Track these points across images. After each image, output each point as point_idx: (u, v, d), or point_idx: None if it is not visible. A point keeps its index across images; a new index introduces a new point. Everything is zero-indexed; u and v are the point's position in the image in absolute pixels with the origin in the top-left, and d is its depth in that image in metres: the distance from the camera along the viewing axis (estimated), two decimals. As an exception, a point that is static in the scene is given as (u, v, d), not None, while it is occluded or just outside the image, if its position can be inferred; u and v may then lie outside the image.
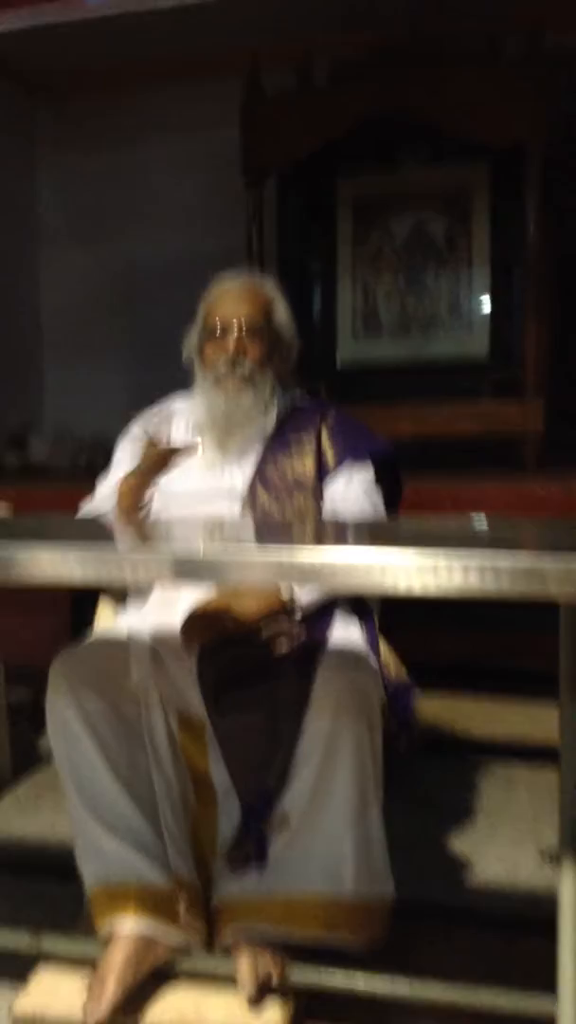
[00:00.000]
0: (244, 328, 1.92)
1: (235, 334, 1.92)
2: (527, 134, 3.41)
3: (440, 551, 1.09)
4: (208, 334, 1.96)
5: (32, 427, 4.51)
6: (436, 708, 2.93)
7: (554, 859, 1.63)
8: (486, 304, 3.87)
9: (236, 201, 3.79)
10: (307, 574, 1.15)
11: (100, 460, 2.10)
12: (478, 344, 3.88)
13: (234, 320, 1.92)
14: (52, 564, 1.19)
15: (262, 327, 1.94)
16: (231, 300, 1.95)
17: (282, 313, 1.99)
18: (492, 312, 3.86)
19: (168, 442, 1.88)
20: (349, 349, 4.00)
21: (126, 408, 2.19)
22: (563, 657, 1.33)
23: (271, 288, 2.00)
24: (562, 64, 3.50)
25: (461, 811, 2.48)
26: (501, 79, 3.45)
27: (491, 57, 3.51)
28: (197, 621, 1.72)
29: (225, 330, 1.93)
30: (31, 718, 3.07)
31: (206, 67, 4.19)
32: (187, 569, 1.16)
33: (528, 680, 2.94)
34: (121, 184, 4.56)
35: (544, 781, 2.60)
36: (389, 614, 1.95)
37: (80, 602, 2.55)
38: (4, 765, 2.71)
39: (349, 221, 3.93)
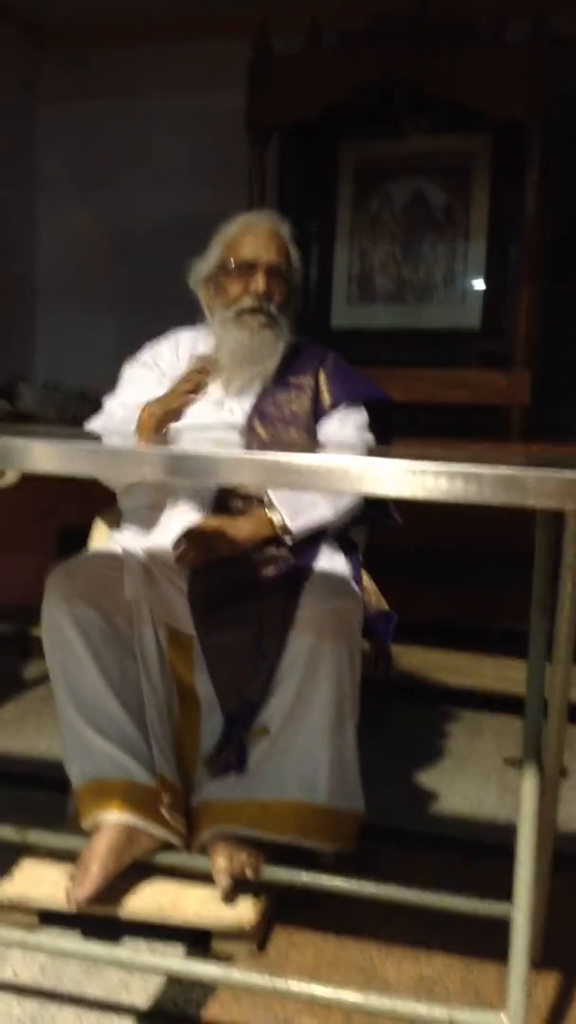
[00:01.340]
0: (271, 268, 1.95)
1: (263, 274, 1.94)
2: (527, 111, 3.47)
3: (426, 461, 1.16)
4: (232, 269, 1.96)
5: (23, 377, 4.53)
6: (411, 659, 3.02)
7: (517, 764, 1.71)
8: (480, 276, 3.94)
9: (237, 160, 3.84)
10: (298, 475, 1.20)
11: (88, 412, 2.11)
12: (470, 315, 3.95)
13: (263, 259, 1.94)
14: (61, 456, 1.24)
15: (285, 270, 1.98)
16: (260, 238, 1.97)
17: (296, 258, 2.03)
18: (486, 284, 3.93)
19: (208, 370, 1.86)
20: (343, 313, 4.06)
21: (118, 362, 2.18)
22: (536, 563, 1.41)
23: (287, 233, 2.03)
24: (564, 46, 3.57)
25: (431, 753, 2.59)
26: (503, 55, 3.50)
27: (494, 34, 3.57)
28: (190, 539, 1.79)
29: (252, 267, 1.94)
30: (17, 649, 3.15)
31: (213, 26, 4.22)
32: (185, 465, 1.21)
33: (501, 639, 3.05)
34: (123, 138, 4.59)
35: (511, 730, 2.71)
36: (372, 571, 2.03)
37: (66, 540, 2.62)
38: (-10, 689, 2.79)
39: (350, 184, 3.98)
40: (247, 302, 1.94)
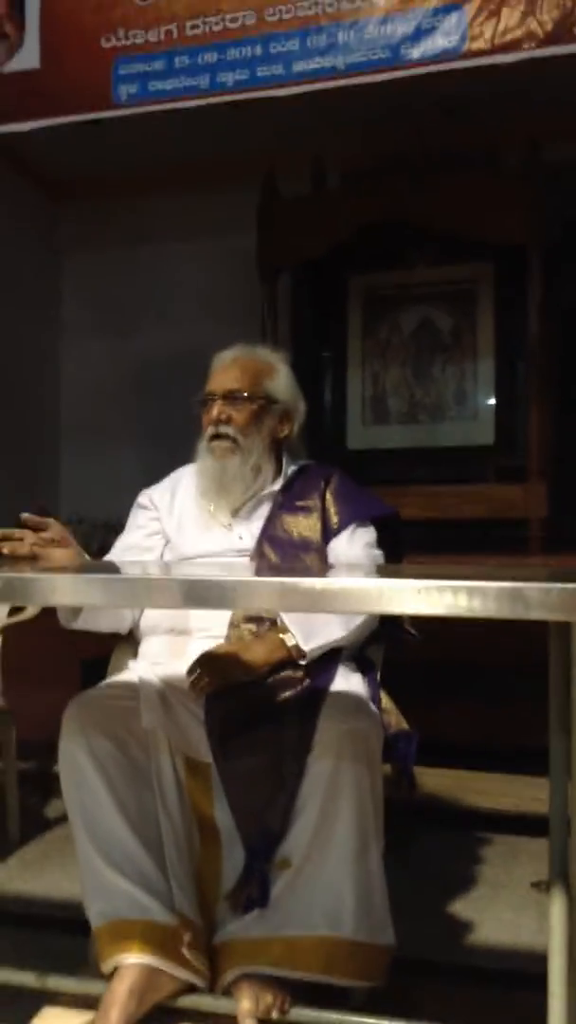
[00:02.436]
0: (226, 395, 2.04)
1: (218, 401, 2.04)
2: (527, 236, 3.62)
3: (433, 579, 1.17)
4: (201, 404, 2.09)
5: (48, 511, 4.62)
6: (439, 781, 2.94)
7: (544, 888, 1.65)
8: (491, 394, 4.02)
9: (251, 296, 4.01)
10: (309, 598, 1.22)
11: (113, 544, 2.20)
12: (483, 432, 4.03)
13: (219, 388, 2.06)
14: (72, 588, 1.26)
15: (247, 393, 2.05)
16: (219, 371, 2.09)
17: (280, 378, 2.10)
18: (497, 401, 4.02)
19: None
20: (358, 435, 4.15)
21: (138, 492, 2.26)
22: (551, 676, 1.39)
23: (268, 356, 2.13)
24: (559, 172, 3.74)
25: (463, 880, 2.49)
26: (502, 186, 3.68)
27: (492, 165, 3.76)
28: (204, 665, 1.79)
29: (211, 398, 2.06)
30: (40, 787, 3.11)
31: (222, 172, 4.47)
32: (197, 592, 1.23)
33: (532, 757, 2.97)
34: (141, 281, 4.82)
35: (547, 852, 2.61)
36: (392, 691, 2.02)
37: (90, 672, 2.62)
38: (13, 829, 2.75)
39: (359, 315, 4.13)
40: (209, 430, 2.04)
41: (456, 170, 3.71)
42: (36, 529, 1.84)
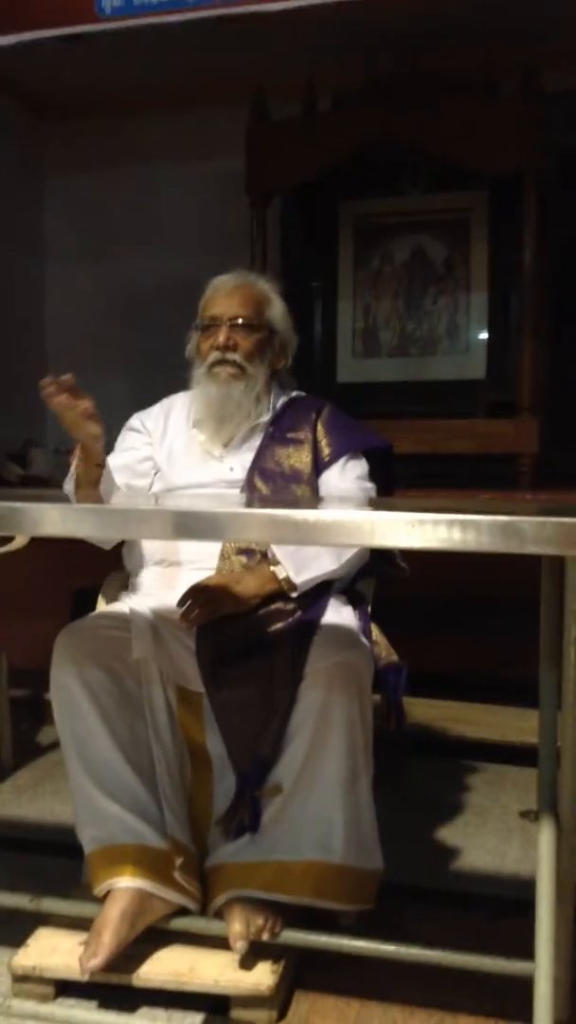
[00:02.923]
0: (233, 321, 2.01)
1: (225, 327, 2.01)
2: (523, 164, 3.53)
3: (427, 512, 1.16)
4: (202, 328, 2.05)
5: (34, 442, 4.59)
6: (427, 712, 2.99)
7: (533, 817, 1.69)
8: (483, 327, 3.97)
9: (240, 222, 3.92)
10: (301, 530, 1.21)
11: None
12: (475, 365, 3.99)
13: (225, 314, 2.01)
14: (62, 519, 1.25)
15: (253, 321, 2.02)
16: (222, 295, 2.05)
17: (276, 310, 2.07)
18: (489, 335, 3.97)
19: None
20: (349, 367, 4.10)
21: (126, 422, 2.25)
22: (543, 610, 1.40)
23: (265, 285, 2.09)
24: (558, 100, 3.65)
25: (451, 807, 2.54)
26: (497, 111, 3.58)
27: (488, 90, 3.65)
28: (195, 597, 1.79)
29: (216, 323, 2.02)
30: (32, 714, 3.15)
31: (212, 93, 4.33)
32: (188, 524, 1.22)
33: (519, 689, 3.00)
34: (127, 205, 4.70)
35: (534, 781, 2.66)
36: (382, 624, 2.02)
37: (81, 602, 2.63)
38: (6, 755, 2.78)
39: (350, 242, 4.05)
40: (213, 356, 2.01)
41: (452, 95, 3.60)
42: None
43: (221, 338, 2.00)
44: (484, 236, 3.93)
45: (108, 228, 4.78)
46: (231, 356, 2.00)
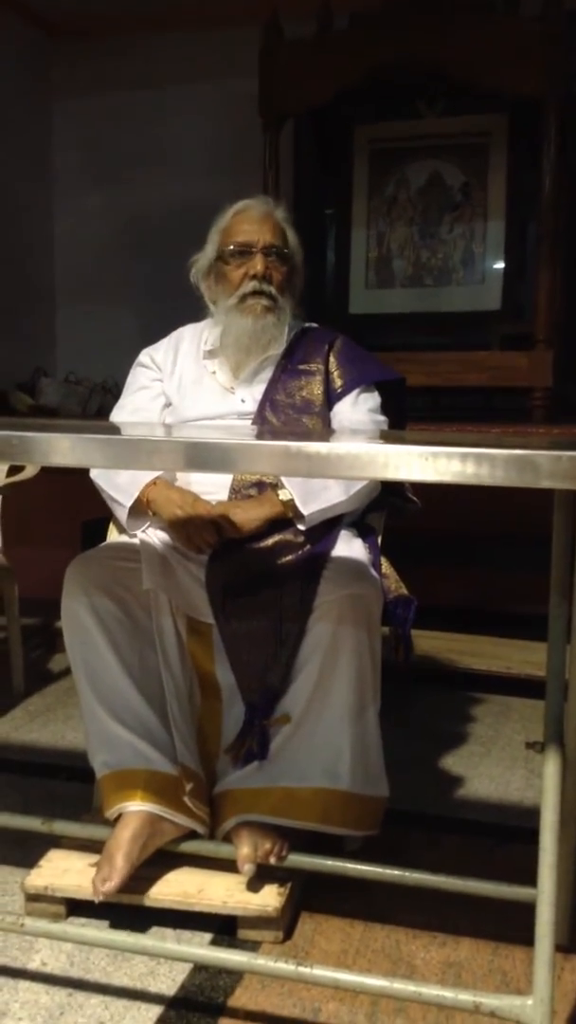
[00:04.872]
0: (268, 249, 1.94)
1: (261, 255, 1.93)
2: (544, 88, 3.41)
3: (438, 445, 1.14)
4: (229, 255, 1.97)
5: (44, 371, 4.56)
6: (435, 644, 3.01)
7: (538, 747, 1.70)
8: (500, 257, 3.89)
9: (252, 147, 3.82)
10: (313, 462, 1.19)
11: (111, 405, 2.15)
12: (490, 296, 3.91)
13: (259, 241, 1.94)
14: (72, 449, 1.23)
15: (284, 250, 1.97)
16: (254, 222, 1.96)
17: (294, 240, 2.02)
18: (505, 265, 3.89)
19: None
20: (361, 298, 4.03)
21: (138, 354, 2.19)
22: (555, 544, 1.39)
23: (283, 215, 2.03)
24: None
25: (456, 738, 2.58)
26: (518, 32, 3.45)
27: (509, 9, 3.52)
28: (198, 522, 1.79)
29: (250, 251, 1.94)
30: (44, 642, 3.19)
31: (225, 13, 4.19)
32: (199, 455, 1.21)
33: (526, 622, 3.02)
34: (137, 127, 4.59)
35: (538, 713, 2.69)
36: (391, 556, 2.02)
37: (91, 533, 2.63)
38: (18, 681, 2.82)
39: (365, 168, 3.95)
40: (248, 286, 1.94)
41: (472, 15, 3.46)
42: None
43: (260, 266, 1.93)
44: (503, 162, 3.81)
45: (117, 152, 4.67)
46: (267, 287, 1.93)
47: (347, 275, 4.05)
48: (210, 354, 2.04)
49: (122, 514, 1.90)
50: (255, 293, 1.93)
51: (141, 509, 1.89)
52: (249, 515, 1.81)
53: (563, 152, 3.48)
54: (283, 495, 1.80)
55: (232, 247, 1.96)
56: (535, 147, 3.51)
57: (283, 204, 2.08)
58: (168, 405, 2.05)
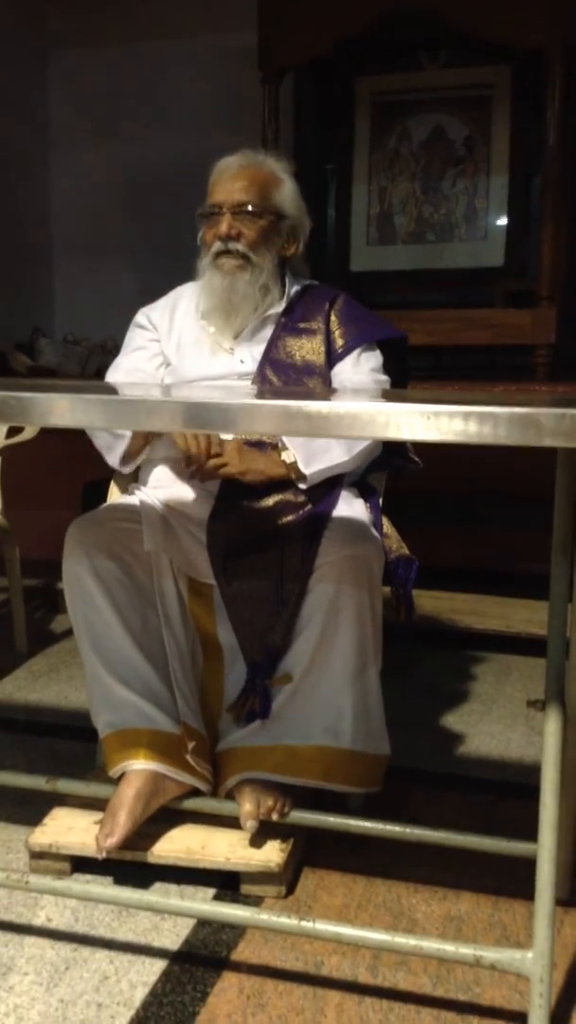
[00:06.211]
0: (236, 208, 1.91)
1: (227, 215, 1.91)
2: (548, 38, 3.34)
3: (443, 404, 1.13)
4: (204, 215, 1.96)
5: (42, 331, 4.52)
6: (436, 604, 3.02)
7: (539, 706, 1.72)
8: (503, 213, 3.84)
9: (252, 101, 3.74)
10: (314, 422, 1.18)
11: (109, 365, 2.13)
12: (493, 253, 3.87)
13: (227, 201, 1.91)
14: (71, 410, 1.22)
15: (257, 207, 1.92)
16: (226, 179, 1.94)
17: (287, 192, 1.97)
18: (508, 221, 3.84)
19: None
20: (363, 255, 3.99)
21: (135, 312, 2.17)
22: (557, 503, 1.39)
23: (275, 165, 1.98)
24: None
25: (458, 696, 2.59)
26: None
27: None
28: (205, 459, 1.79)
29: (218, 211, 1.92)
30: (46, 603, 3.20)
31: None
32: (199, 415, 1.20)
33: (527, 581, 3.02)
34: (133, 82, 4.50)
35: (540, 673, 2.70)
36: (392, 516, 2.02)
37: (92, 494, 2.63)
38: (21, 642, 2.84)
39: (366, 121, 3.88)
40: (216, 246, 1.92)
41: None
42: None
43: (223, 227, 1.91)
44: (506, 115, 3.75)
45: (114, 106, 4.59)
46: (234, 246, 1.91)
47: (348, 231, 4.00)
48: (205, 314, 2.02)
49: (120, 447, 1.90)
50: (222, 253, 1.92)
51: (137, 446, 1.91)
52: (252, 467, 1.80)
53: (568, 104, 3.42)
54: (286, 456, 1.80)
55: (207, 208, 1.95)
56: (539, 100, 3.45)
57: (276, 155, 2.03)
58: (166, 365, 2.03)
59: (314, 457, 1.79)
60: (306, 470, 1.79)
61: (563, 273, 3.65)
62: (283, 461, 1.80)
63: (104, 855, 1.59)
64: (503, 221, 3.85)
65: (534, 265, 3.62)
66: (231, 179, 1.93)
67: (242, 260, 1.92)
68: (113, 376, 2.06)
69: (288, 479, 1.81)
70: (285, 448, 1.80)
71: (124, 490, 2.04)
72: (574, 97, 3.48)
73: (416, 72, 3.81)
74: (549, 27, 3.31)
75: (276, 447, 1.83)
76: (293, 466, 1.79)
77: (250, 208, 1.91)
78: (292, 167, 2.02)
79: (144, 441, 1.93)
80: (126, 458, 1.94)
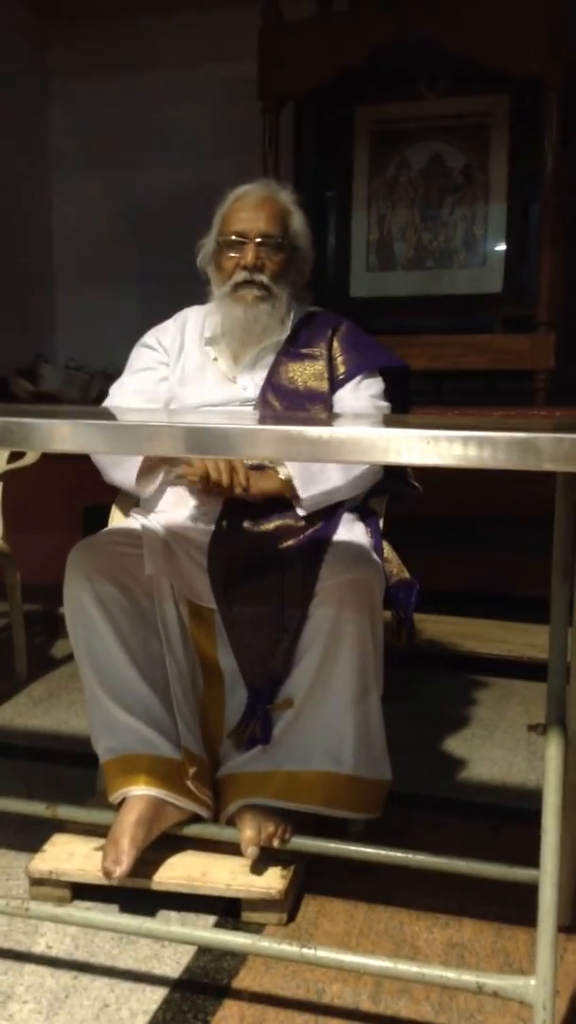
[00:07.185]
0: (262, 240, 1.92)
1: (253, 245, 1.91)
2: (545, 67, 3.39)
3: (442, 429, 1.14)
4: (225, 243, 1.95)
5: (44, 357, 4.54)
6: (437, 628, 3.01)
7: (540, 730, 1.72)
8: (501, 239, 3.87)
9: (252, 130, 3.79)
10: (315, 446, 1.18)
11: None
12: (492, 279, 3.90)
13: (253, 230, 1.92)
14: (73, 435, 1.23)
15: (280, 239, 1.93)
16: (249, 209, 1.94)
17: (298, 224, 1.99)
18: (507, 247, 3.87)
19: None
20: (362, 281, 4.02)
21: (139, 339, 2.17)
22: (556, 527, 1.39)
23: (288, 198, 2.00)
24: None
25: (459, 720, 2.58)
26: (520, 11, 3.42)
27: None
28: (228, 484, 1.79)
29: (243, 240, 1.92)
30: (46, 628, 3.19)
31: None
32: (200, 440, 1.20)
33: (528, 605, 3.02)
34: (135, 111, 4.56)
35: (541, 697, 2.69)
36: (393, 540, 2.02)
37: (93, 519, 2.64)
38: (21, 667, 2.83)
39: (366, 149, 3.92)
40: (239, 276, 1.92)
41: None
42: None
43: (250, 257, 1.90)
44: (504, 143, 3.79)
45: (116, 134, 4.65)
46: (259, 277, 1.91)
47: (348, 258, 4.04)
48: (211, 340, 2.03)
49: (133, 471, 1.88)
50: (245, 283, 1.92)
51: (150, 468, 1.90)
52: (255, 483, 1.81)
53: (565, 132, 3.46)
54: (282, 472, 1.81)
55: (227, 236, 1.94)
56: (537, 128, 3.49)
57: (288, 186, 2.05)
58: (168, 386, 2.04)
59: (311, 480, 1.80)
60: (303, 493, 1.79)
61: (561, 298, 3.68)
62: (279, 478, 1.81)
63: (113, 881, 1.58)
64: (501, 247, 3.88)
65: (532, 291, 3.65)
66: (254, 208, 1.93)
67: (264, 292, 1.92)
68: (119, 396, 2.05)
69: (286, 498, 1.82)
70: (282, 466, 1.81)
71: (125, 514, 2.05)
72: (571, 125, 3.53)
73: (415, 101, 3.85)
74: (547, 57, 3.36)
75: (275, 470, 1.84)
76: (288, 483, 1.80)
77: (275, 240, 1.92)
78: (300, 198, 2.04)
79: (160, 460, 1.91)
80: (142, 477, 1.91)
